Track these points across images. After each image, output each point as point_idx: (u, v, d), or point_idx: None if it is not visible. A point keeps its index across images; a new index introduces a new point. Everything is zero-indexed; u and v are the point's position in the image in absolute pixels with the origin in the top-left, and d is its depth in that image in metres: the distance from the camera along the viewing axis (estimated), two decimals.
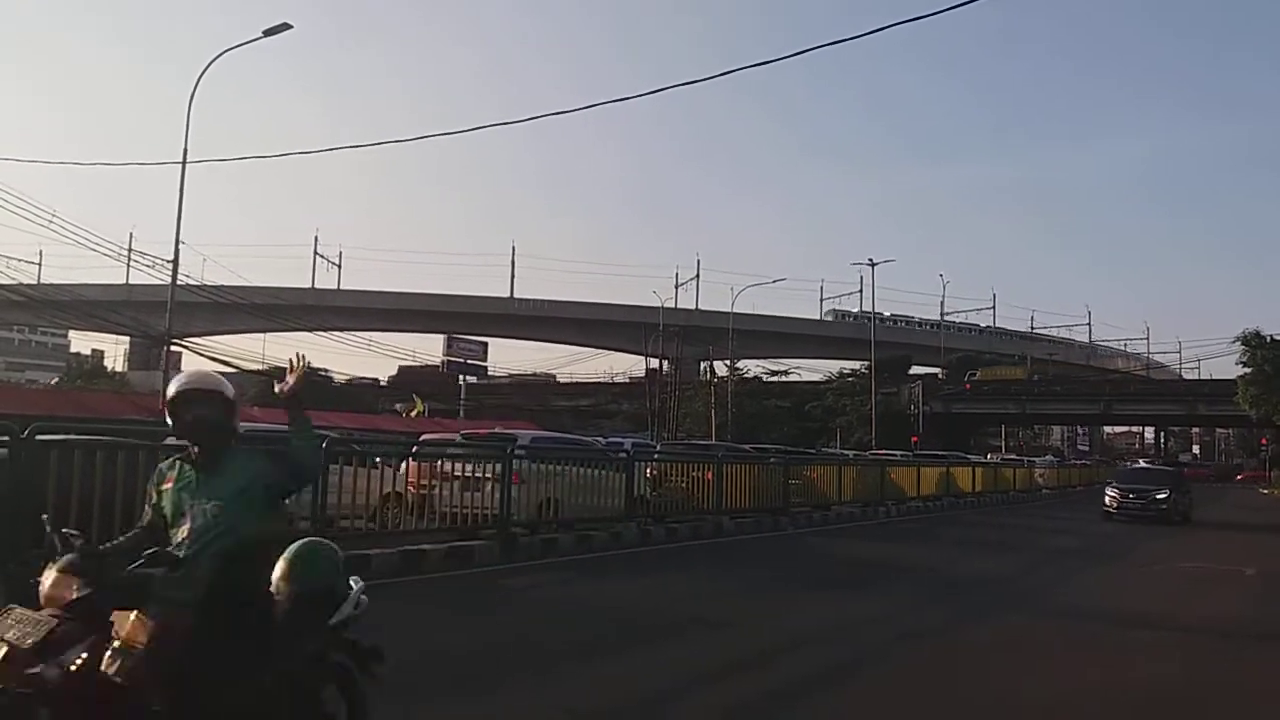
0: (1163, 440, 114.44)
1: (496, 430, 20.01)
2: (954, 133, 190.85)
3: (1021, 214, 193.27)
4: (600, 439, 24.58)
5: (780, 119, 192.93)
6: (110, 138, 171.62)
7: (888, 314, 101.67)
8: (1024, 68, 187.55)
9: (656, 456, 19.98)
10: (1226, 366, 73.43)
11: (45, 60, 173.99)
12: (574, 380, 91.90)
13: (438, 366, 69.01)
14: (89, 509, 8.28)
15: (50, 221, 45.93)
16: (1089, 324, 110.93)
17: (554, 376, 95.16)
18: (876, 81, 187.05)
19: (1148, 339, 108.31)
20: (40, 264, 69.25)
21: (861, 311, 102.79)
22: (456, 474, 12.97)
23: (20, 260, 53.01)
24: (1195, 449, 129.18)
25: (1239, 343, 51.21)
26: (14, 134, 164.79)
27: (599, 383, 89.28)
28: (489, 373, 75.44)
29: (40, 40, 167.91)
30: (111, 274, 65.50)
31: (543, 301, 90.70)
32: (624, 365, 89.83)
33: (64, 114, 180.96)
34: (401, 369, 76.94)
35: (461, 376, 67.01)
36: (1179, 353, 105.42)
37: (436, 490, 12.80)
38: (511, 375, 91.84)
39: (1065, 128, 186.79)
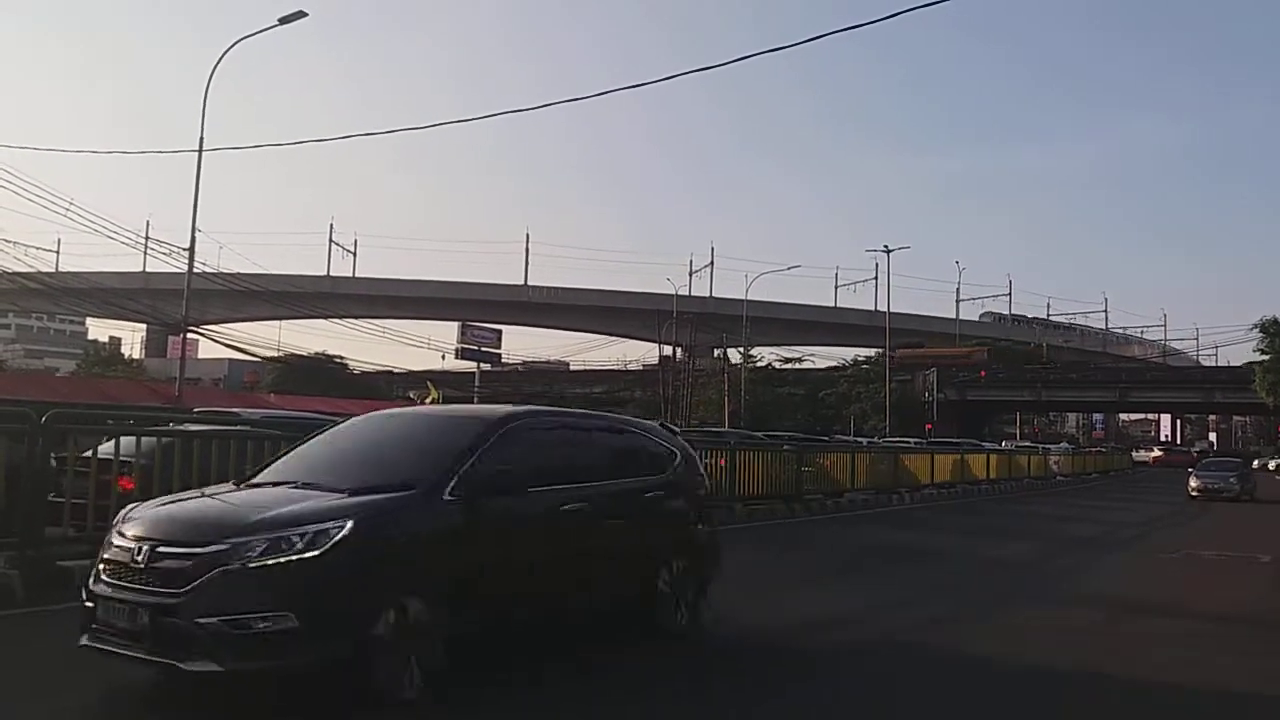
0: (1179, 428, 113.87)
1: None
2: (975, 117, 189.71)
3: (1039, 200, 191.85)
4: None
5: (798, 98, 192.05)
6: (128, 125, 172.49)
7: (1033, 315, 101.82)
8: (1047, 48, 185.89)
9: None
10: (1245, 354, 72.94)
11: (64, 48, 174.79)
12: (587, 368, 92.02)
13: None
14: None
15: (68, 209, 46.24)
16: (1105, 310, 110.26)
17: (568, 365, 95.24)
18: (906, 59, 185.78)
19: (1164, 326, 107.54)
20: (58, 252, 69.68)
21: (1012, 314, 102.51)
22: None
23: (39, 248, 53.26)
24: (1212, 436, 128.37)
25: (1258, 330, 50.91)
26: (32, 122, 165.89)
27: (612, 370, 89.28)
28: (502, 360, 75.42)
29: (59, 29, 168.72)
30: (129, 262, 66.03)
31: (556, 289, 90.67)
32: (637, 353, 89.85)
33: (82, 102, 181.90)
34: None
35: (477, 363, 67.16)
36: (1196, 340, 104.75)
37: None
38: (525, 363, 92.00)
39: (1087, 111, 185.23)
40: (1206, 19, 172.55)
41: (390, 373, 73.13)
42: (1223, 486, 29.97)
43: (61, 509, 8.53)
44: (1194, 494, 29.80)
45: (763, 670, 6.55)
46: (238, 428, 11.40)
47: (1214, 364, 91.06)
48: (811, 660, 7.00)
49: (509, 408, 6.86)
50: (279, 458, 6.67)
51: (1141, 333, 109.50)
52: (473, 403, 57.83)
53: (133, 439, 9.21)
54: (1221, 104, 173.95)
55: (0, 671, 5.91)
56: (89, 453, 8.89)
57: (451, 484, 5.57)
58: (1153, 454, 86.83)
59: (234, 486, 6.10)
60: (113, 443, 9.11)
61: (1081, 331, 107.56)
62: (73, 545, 8.60)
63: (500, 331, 73.13)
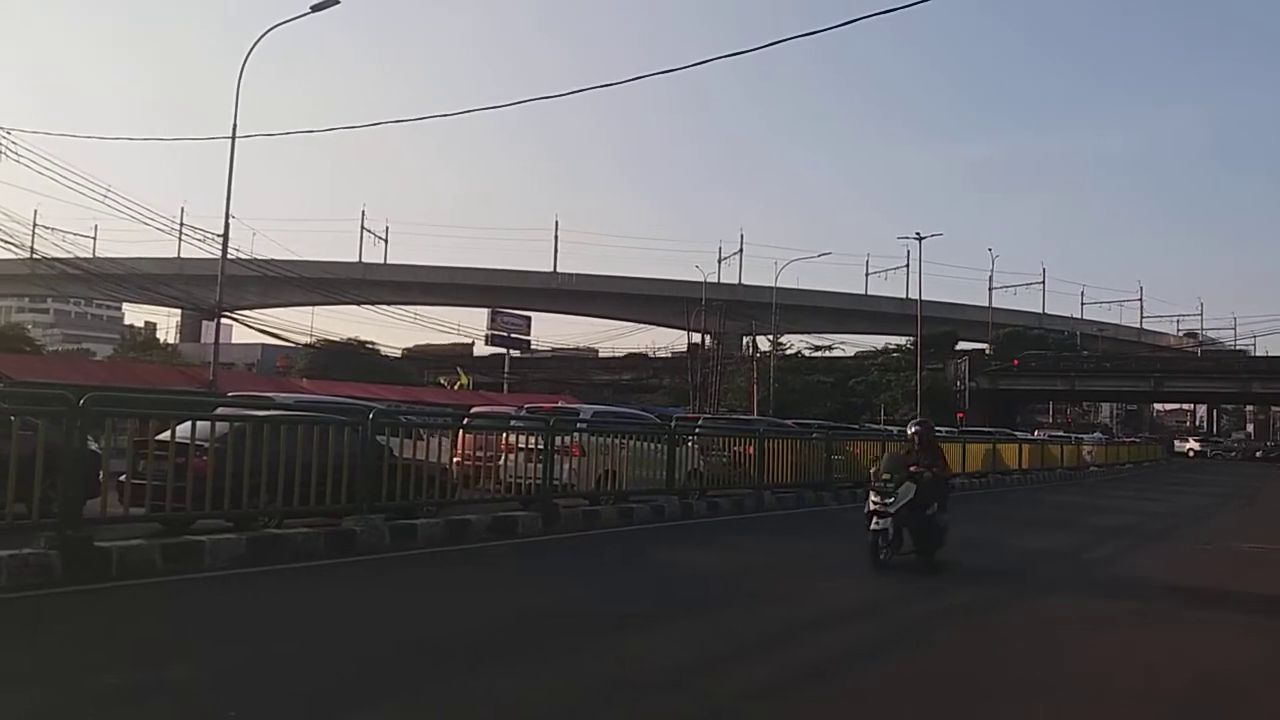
0: (1215, 418, 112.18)
1: (560, 405, 20.57)
2: (1007, 104, 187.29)
3: (1073, 188, 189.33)
4: (644, 412, 24.71)
5: (828, 83, 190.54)
6: (164, 112, 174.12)
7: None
8: (1080, 34, 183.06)
9: (699, 430, 20.07)
10: None
11: (100, 35, 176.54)
12: (616, 354, 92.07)
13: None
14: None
15: (105, 196, 46.68)
16: (1140, 299, 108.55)
17: (596, 351, 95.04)
18: (938, 45, 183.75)
19: (1201, 315, 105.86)
20: (95, 238, 70.67)
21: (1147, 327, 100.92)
22: (522, 446, 13.61)
23: (77, 234, 54.32)
24: (1249, 428, 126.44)
25: None
26: (71, 110, 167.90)
27: (641, 356, 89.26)
28: (531, 346, 75.58)
29: (94, 16, 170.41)
30: (164, 248, 66.80)
31: (586, 276, 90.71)
32: (666, 340, 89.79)
33: (119, 89, 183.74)
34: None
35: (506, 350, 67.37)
36: (1234, 329, 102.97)
37: (503, 461, 13.54)
38: (554, 349, 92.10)
39: (1122, 98, 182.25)
40: (1239, 4, 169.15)
41: (421, 357, 73.45)
42: None
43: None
44: None
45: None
46: (303, 412, 11.71)
47: (1252, 353, 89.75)
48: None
49: None
50: None
51: (1177, 322, 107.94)
52: (502, 389, 58.06)
53: (206, 423, 9.86)
54: (1256, 90, 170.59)
55: (42, 649, 6.02)
56: (166, 435, 9.38)
57: None
58: (1188, 445, 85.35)
59: None
60: (188, 425, 9.72)
61: (1115, 323, 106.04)
62: (110, 527, 8.77)
63: (530, 318, 73.27)
